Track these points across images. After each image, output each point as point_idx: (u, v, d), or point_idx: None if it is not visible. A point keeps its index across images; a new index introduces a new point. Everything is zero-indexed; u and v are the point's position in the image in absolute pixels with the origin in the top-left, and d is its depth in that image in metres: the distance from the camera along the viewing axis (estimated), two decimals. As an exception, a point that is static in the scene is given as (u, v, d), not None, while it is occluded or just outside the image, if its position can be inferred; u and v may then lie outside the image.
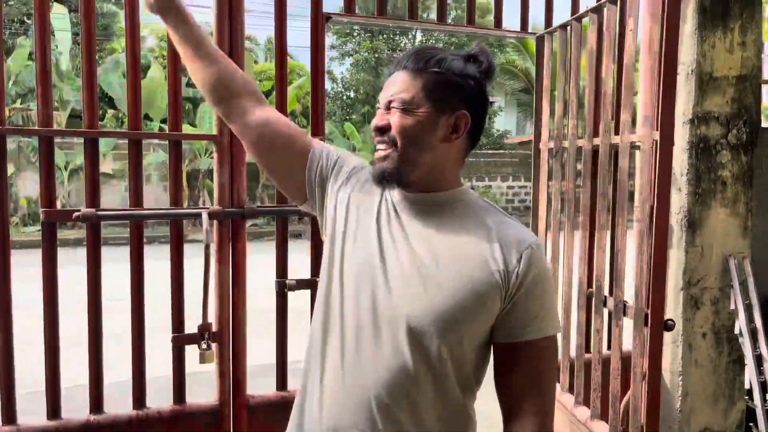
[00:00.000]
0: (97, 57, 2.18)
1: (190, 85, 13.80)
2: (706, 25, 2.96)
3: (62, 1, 15.73)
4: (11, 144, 13.08)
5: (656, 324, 1.95)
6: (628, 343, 2.17)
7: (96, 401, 2.23)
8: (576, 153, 2.55)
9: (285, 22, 2.44)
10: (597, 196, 2.33)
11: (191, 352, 2.36)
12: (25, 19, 16.87)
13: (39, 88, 2.09)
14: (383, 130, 1.19)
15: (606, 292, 2.35)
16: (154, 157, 14.53)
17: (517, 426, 1.14)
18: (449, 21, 2.75)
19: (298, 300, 2.60)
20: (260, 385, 2.63)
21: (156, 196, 14.11)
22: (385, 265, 1.17)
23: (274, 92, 2.43)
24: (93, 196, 2.21)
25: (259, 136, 1.35)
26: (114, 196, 14.74)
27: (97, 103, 2.20)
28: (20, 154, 13.74)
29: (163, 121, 14.31)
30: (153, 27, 20.02)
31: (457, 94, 1.18)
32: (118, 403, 2.34)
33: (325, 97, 2.47)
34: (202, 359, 2.32)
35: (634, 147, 2.20)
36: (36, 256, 2.21)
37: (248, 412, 2.42)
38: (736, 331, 3.04)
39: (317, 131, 2.46)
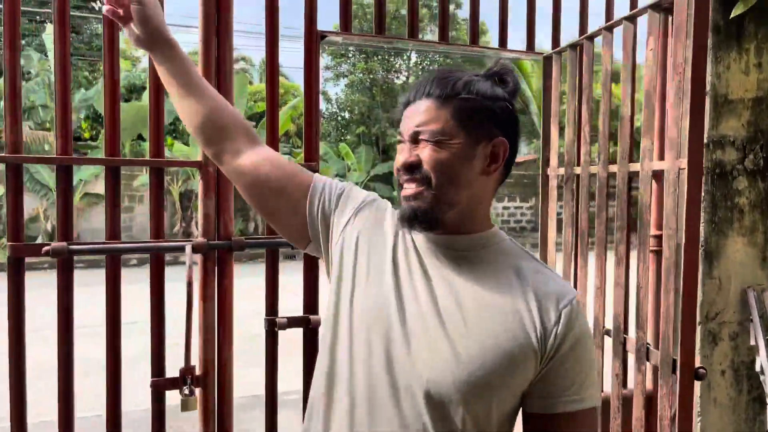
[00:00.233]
0: (91, 78, 2.00)
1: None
2: (721, 45, 2.82)
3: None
4: None
5: (687, 373, 1.76)
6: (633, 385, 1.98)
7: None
8: (589, 180, 2.38)
9: (277, 41, 2.27)
10: (614, 227, 2.15)
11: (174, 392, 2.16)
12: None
13: (7, 115, 1.91)
14: (413, 167, 1.07)
15: (627, 332, 2.16)
16: (143, 178, 14.35)
17: None
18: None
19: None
20: (251, 419, 2.43)
21: (147, 217, 13.88)
22: (404, 317, 1.05)
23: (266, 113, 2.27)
24: (65, 228, 2.02)
25: (253, 178, 1.24)
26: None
27: (71, 128, 2.01)
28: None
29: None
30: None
31: (490, 120, 1.08)
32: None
33: (319, 116, 2.30)
34: (185, 407, 2.11)
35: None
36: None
37: (234, 464, 2.21)
38: (757, 368, 2.86)
39: (311, 150, 2.29)
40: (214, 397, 2.19)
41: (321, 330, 1.21)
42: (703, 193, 2.87)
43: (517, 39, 2.71)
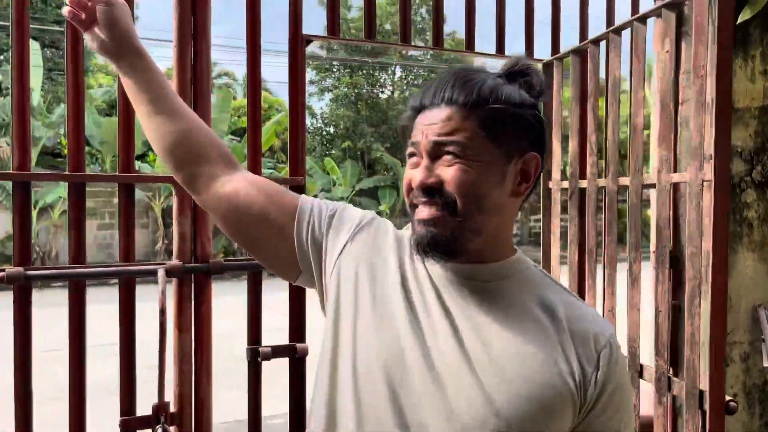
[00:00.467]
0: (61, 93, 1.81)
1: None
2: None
3: (35, 36, 15.38)
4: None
5: (717, 407, 1.59)
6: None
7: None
8: (597, 194, 2.21)
9: (259, 52, 2.09)
10: (627, 245, 1.98)
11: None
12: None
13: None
14: (433, 189, 0.93)
15: (642, 359, 1.99)
16: (128, 194, 14.06)
17: None
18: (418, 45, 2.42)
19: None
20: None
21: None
22: (429, 361, 0.91)
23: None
24: (22, 253, 1.81)
25: (232, 205, 1.09)
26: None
27: (29, 142, 1.81)
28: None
29: (139, 157, 13.93)
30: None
31: (521, 132, 0.95)
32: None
33: (305, 126, 2.12)
34: (157, 448, 1.90)
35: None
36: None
37: None
38: (769, 386, 2.70)
39: (297, 162, 2.10)
40: (190, 436, 1.98)
41: (316, 374, 1.04)
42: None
43: (509, 47, 2.55)
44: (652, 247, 2.17)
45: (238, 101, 17.80)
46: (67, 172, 1.85)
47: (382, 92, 20.48)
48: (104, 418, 2.55)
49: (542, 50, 2.70)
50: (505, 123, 0.93)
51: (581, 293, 2.30)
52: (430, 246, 0.94)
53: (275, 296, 2.76)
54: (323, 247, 1.06)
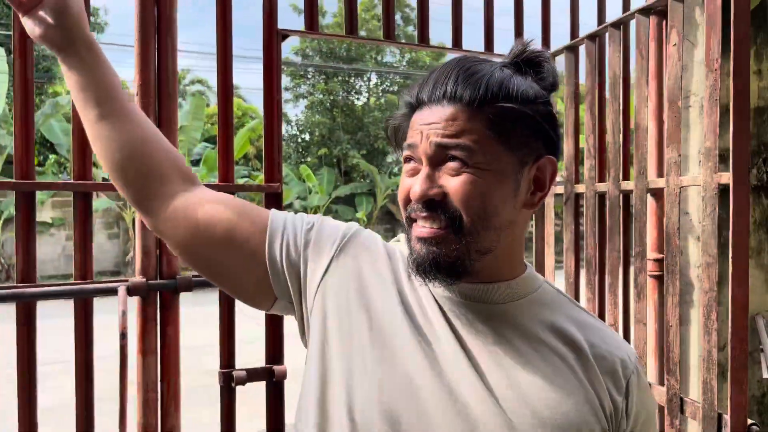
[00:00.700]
0: (38, 101, 1.62)
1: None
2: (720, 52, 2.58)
3: (0, 42, 14.97)
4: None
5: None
6: None
7: None
8: (596, 199, 2.06)
9: (230, 54, 1.92)
10: (632, 255, 1.84)
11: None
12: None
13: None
14: (435, 202, 0.80)
15: (650, 378, 1.84)
16: (99, 203, 13.73)
17: None
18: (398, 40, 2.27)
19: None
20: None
21: (98, 244, 13.26)
22: (453, 400, 0.79)
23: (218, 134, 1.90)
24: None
25: (192, 230, 0.92)
26: (54, 247, 13.82)
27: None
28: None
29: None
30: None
31: (535, 133, 0.83)
32: None
33: (281, 126, 1.95)
34: (119, 488, 1.70)
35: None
36: None
37: None
38: (770, 402, 2.59)
39: (273, 166, 1.92)
40: (156, 473, 1.78)
41: (297, 418, 0.88)
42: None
43: (498, 45, 2.41)
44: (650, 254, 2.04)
45: (211, 108, 17.50)
46: (13, 180, 1.64)
47: (358, 99, 20.33)
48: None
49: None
50: (518, 123, 0.81)
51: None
52: (431, 268, 0.81)
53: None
54: (302, 269, 0.91)
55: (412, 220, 0.84)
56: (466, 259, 0.81)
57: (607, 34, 1.95)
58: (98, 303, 1.78)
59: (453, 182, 0.79)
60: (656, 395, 1.80)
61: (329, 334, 0.86)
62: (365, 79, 20.57)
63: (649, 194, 1.98)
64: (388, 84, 20.79)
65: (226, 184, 1.88)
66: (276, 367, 1.96)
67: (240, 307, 1.91)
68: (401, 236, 0.97)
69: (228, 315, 1.91)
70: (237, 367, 1.94)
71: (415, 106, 0.86)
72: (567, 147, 2.21)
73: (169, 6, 1.76)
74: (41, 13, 0.90)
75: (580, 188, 2.14)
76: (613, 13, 2.26)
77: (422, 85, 0.85)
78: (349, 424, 0.79)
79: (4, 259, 13.44)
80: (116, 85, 0.94)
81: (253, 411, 2.39)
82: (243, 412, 1.99)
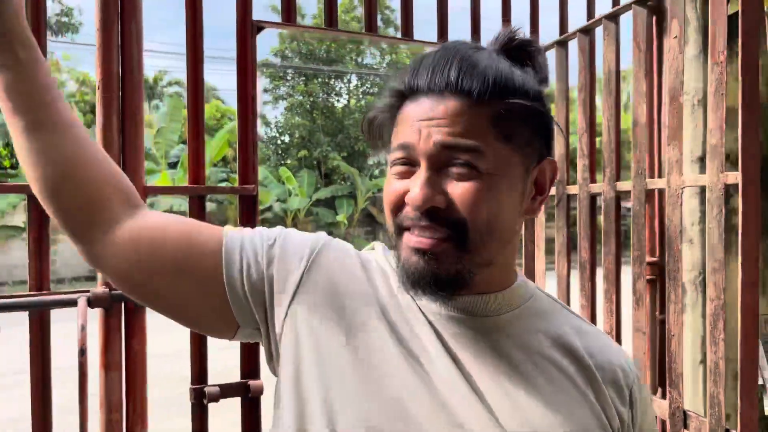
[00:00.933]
0: None
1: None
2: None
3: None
4: None
5: (752, 451, 1.34)
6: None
7: None
8: (589, 201, 1.96)
9: (201, 46, 1.78)
10: (633, 261, 1.74)
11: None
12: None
13: None
14: (436, 211, 0.72)
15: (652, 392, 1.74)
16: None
17: None
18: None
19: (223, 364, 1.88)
20: None
21: (73, 249, 13.03)
22: (453, 421, 0.71)
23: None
24: None
25: (135, 261, 0.79)
26: (25, 252, 13.50)
27: None
28: None
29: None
30: (73, 73, 19.01)
31: (539, 132, 0.76)
32: None
33: (256, 124, 1.81)
34: None
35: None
36: None
37: None
38: (766, 412, 2.52)
39: (248, 166, 1.79)
40: (121, 500, 1.64)
41: None
42: (699, 214, 2.54)
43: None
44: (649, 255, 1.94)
45: (189, 110, 17.30)
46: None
47: (338, 101, 20.20)
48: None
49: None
50: (523, 121, 0.74)
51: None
52: (429, 283, 0.73)
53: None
54: (267, 291, 0.79)
55: (404, 229, 0.74)
56: (467, 274, 0.74)
57: (601, 27, 1.85)
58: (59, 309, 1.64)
59: (460, 189, 0.71)
60: (656, 409, 1.70)
61: (304, 359, 0.76)
62: (345, 80, 20.46)
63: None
64: (369, 86, 20.68)
65: (197, 185, 1.75)
66: (252, 382, 1.83)
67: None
68: (376, 244, 0.88)
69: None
70: (210, 381, 1.80)
71: (406, 95, 0.75)
72: (558, 146, 2.10)
73: (135, 22, 1.63)
74: None
75: (572, 189, 2.04)
76: (601, 7, 2.17)
77: (416, 71, 0.74)
78: None
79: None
80: (53, 92, 0.78)
81: (227, 422, 2.26)
82: (216, 424, 1.86)
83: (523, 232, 2.35)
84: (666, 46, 1.61)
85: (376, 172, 18.63)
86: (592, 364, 0.79)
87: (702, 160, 2.53)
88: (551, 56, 2.18)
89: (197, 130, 1.77)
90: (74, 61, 19.82)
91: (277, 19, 1.95)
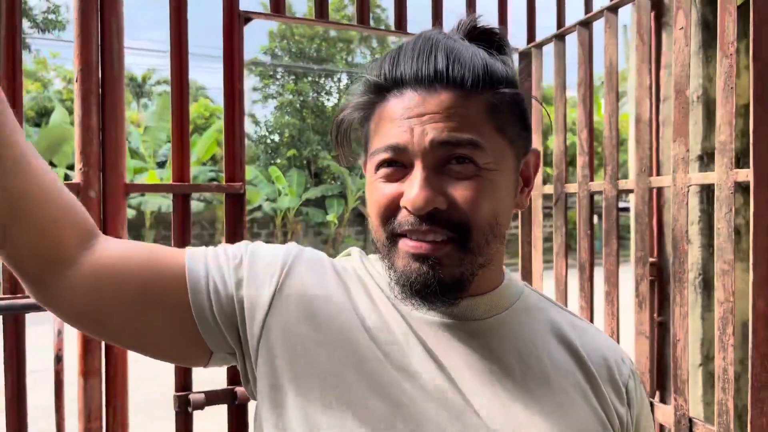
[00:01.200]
0: None
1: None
2: (711, 43, 2.44)
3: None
4: None
5: (765, 463, 1.28)
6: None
7: None
8: (589, 200, 1.90)
9: (185, 40, 1.70)
10: (636, 262, 1.67)
11: None
12: None
13: None
14: (437, 214, 0.67)
15: (652, 398, 1.68)
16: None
17: None
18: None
19: (209, 371, 1.80)
20: None
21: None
22: None
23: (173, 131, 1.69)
24: None
25: (95, 297, 0.70)
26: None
27: None
28: None
29: (70, 167, 13.19)
30: (60, 71, 18.80)
31: (525, 122, 0.74)
32: None
33: (243, 119, 1.74)
34: None
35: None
36: None
37: None
38: None
39: (234, 161, 1.72)
40: None
41: None
42: (699, 213, 2.49)
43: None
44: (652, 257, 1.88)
45: (178, 109, 17.14)
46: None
47: (328, 100, 20.08)
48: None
49: (516, 38, 2.40)
50: (511, 112, 0.71)
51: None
52: (433, 290, 0.67)
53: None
54: (238, 314, 0.73)
55: (398, 236, 0.69)
56: (469, 274, 0.69)
57: (603, 20, 1.78)
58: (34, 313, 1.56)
59: (461, 188, 0.67)
60: (660, 415, 1.64)
61: (282, 382, 0.70)
62: (335, 79, 20.34)
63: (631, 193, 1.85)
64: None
65: (181, 183, 1.67)
66: (239, 389, 1.75)
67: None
68: (353, 250, 0.82)
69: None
70: (195, 388, 1.73)
71: (386, 90, 0.69)
72: (557, 143, 2.04)
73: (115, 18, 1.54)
74: None
75: (572, 188, 1.97)
76: (598, 1, 2.11)
77: (395, 61, 0.69)
78: None
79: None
80: (7, 116, 0.65)
81: (215, 428, 2.19)
82: (202, 429, 1.79)
83: (519, 232, 2.28)
84: (672, 38, 1.54)
85: (367, 171, 18.52)
86: (590, 362, 0.77)
87: (702, 158, 2.48)
88: (549, 51, 2.11)
89: (181, 126, 1.69)
90: (61, 58, 19.53)
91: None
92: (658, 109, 2.53)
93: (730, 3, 1.39)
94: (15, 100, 1.50)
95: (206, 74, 32.03)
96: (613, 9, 1.76)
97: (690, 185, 1.50)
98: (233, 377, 1.77)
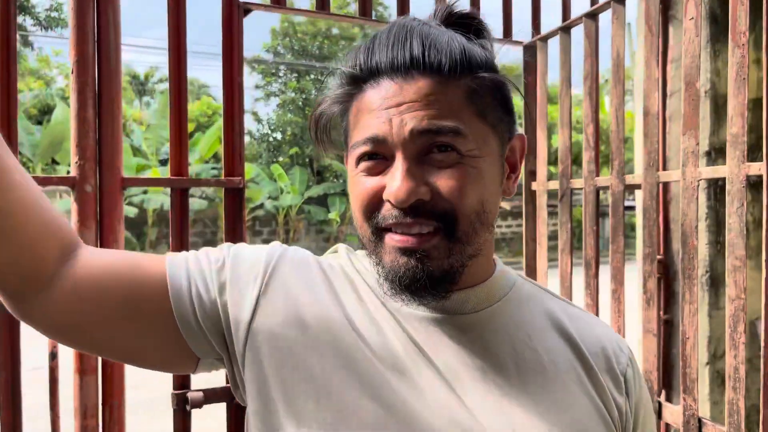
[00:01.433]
0: None
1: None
2: (719, 37, 2.40)
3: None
4: None
5: (778, 465, 1.25)
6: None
7: None
8: (595, 195, 1.86)
9: (184, 34, 1.67)
10: (644, 259, 1.64)
11: None
12: None
13: None
14: (421, 205, 0.65)
15: (659, 397, 1.64)
16: (62, 204, 13.28)
17: None
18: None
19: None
20: None
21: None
22: None
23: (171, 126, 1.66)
24: None
25: (78, 310, 0.68)
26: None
27: None
28: None
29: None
30: (62, 68, 18.82)
31: (506, 106, 0.72)
32: None
33: (242, 113, 1.71)
34: None
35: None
36: None
37: None
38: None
39: (234, 155, 1.68)
40: None
41: None
42: (706, 209, 2.45)
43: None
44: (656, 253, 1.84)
45: (180, 106, 17.15)
46: None
47: (331, 97, 20.07)
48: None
49: (520, 32, 2.37)
50: (492, 96, 0.69)
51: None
52: (422, 284, 0.66)
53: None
54: (222, 318, 0.71)
55: (384, 230, 0.68)
56: (460, 268, 0.68)
57: (609, 11, 1.74)
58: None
59: (444, 176, 0.65)
60: (668, 415, 1.60)
61: (270, 387, 0.68)
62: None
63: (637, 189, 1.81)
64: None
65: (179, 177, 1.64)
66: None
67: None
68: (339, 247, 0.80)
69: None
70: (193, 386, 1.70)
71: (362, 81, 0.67)
72: (562, 138, 2.00)
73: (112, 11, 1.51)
74: None
75: (578, 183, 1.94)
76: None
77: (369, 50, 0.67)
78: None
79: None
80: None
81: (214, 427, 2.16)
82: (202, 428, 1.76)
83: (523, 229, 2.25)
84: (679, 31, 1.50)
85: (369, 169, 18.52)
86: (587, 352, 0.75)
87: (709, 154, 2.44)
88: (554, 44, 2.08)
89: (180, 120, 1.66)
90: (64, 56, 19.56)
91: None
92: (664, 104, 2.50)
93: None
94: (9, 93, 1.47)
95: (209, 72, 32.05)
96: (621, 0, 1.73)
97: (700, 179, 1.47)
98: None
